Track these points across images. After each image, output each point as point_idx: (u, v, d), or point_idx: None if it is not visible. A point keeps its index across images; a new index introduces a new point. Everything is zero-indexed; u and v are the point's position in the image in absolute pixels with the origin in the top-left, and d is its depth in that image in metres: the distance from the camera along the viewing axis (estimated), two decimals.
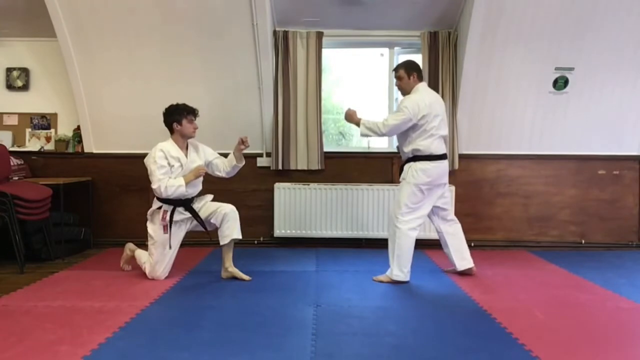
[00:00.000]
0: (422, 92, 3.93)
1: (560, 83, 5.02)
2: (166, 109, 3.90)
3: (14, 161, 4.88)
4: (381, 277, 3.93)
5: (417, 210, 3.88)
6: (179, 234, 3.96)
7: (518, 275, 4.19)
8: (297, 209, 5.10)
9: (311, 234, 5.12)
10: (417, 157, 3.88)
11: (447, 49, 5.03)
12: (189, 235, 5.19)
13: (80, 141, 5.23)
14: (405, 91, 3.99)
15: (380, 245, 5.12)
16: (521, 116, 5.13)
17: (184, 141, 3.94)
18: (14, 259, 4.20)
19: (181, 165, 3.87)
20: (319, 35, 5.04)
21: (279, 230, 5.13)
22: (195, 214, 3.95)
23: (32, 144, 5.30)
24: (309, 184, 5.12)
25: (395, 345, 2.68)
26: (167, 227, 3.83)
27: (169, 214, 3.83)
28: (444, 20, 5.00)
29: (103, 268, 4.28)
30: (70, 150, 5.26)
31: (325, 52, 5.13)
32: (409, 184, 3.86)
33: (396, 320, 3.07)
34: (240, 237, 4.01)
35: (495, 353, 2.61)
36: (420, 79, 3.98)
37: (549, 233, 5.31)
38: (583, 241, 5.31)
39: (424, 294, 3.65)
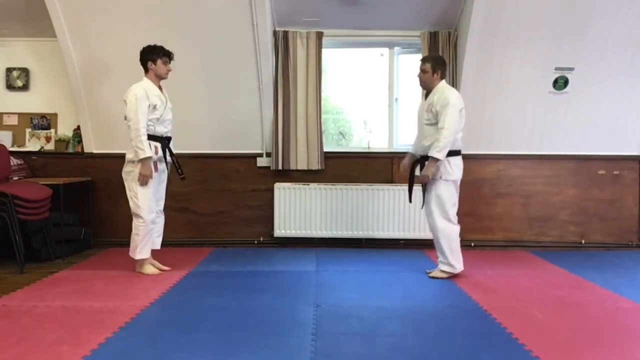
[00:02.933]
0: (450, 89, 4.00)
1: (560, 83, 5.01)
2: (143, 48, 3.99)
3: (14, 161, 4.88)
4: (439, 274, 4.03)
5: (455, 205, 4.05)
6: (162, 176, 4.14)
7: (518, 275, 4.19)
8: (297, 209, 5.10)
9: (311, 234, 5.12)
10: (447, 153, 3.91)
11: (447, 49, 5.03)
12: (188, 235, 5.24)
13: (80, 141, 5.23)
14: (426, 85, 4.03)
15: (380, 245, 5.13)
16: (521, 116, 5.13)
17: (158, 82, 4.03)
18: (14, 259, 4.20)
19: (163, 104, 3.99)
20: (319, 35, 5.04)
21: (279, 230, 5.13)
22: (172, 154, 4.14)
23: (32, 144, 5.30)
24: (309, 184, 5.12)
25: (395, 345, 2.68)
26: (157, 163, 4.00)
27: (159, 148, 3.99)
28: (444, 20, 5.00)
29: (103, 268, 4.28)
30: (70, 150, 5.26)
31: (325, 52, 5.13)
32: (448, 181, 3.95)
33: (396, 320, 3.07)
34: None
35: (495, 353, 2.60)
36: (443, 77, 4.03)
37: (549, 233, 5.31)
38: (583, 241, 5.31)
39: (424, 294, 3.65)
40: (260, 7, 4.60)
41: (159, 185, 4.10)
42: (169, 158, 4.14)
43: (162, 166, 4.08)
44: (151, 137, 3.94)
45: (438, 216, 3.98)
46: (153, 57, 3.96)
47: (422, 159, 4.02)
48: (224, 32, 4.77)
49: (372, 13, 4.90)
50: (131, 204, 3.98)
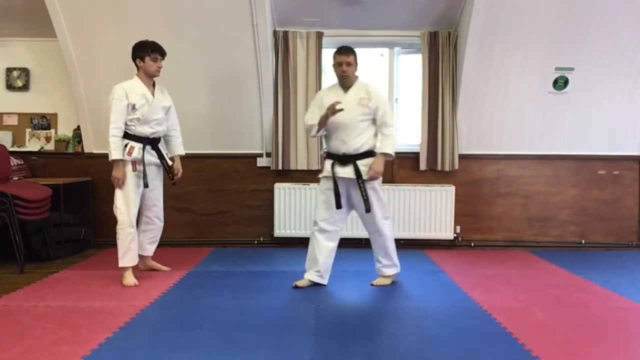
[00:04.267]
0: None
1: (560, 83, 5.01)
2: (133, 45, 3.83)
3: (14, 161, 4.88)
4: (384, 281, 3.85)
5: None
6: (151, 181, 3.90)
7: (518, 275, 4.19)
8: (297, 209, 5.10)
9: None
10: (373, 153, 3.67)
11: (447, 49, 5.03)
12: (188, 235, 5.24)
13: (80, 141, 5.23)
14: (349, 80, 3.69)
15: None
16: (521, 116, 5.13)
17: (149, 80, 3.86)
18: (14, 259, 4.20)
19: (147, 102, 3.79)
20: (319, 35, 5.04)
21: (279, 230, 5.13)
22: (161, 157, 3.93)
23: (32, 144, 5.30)
24: (309, 184, 5.12)
25: (395, 346, 2.68)
26: (136, 164, 3.79)
27: (136, 150, 3.77)
28: (444, 20, 4.99)
29: (103, 268, 4.28)
30: (70, 150, 5.26)
31: (325, 52, 5.12)
32: (379, 181, 3.73)
33: (396, 320, 3.07)
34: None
35: (495, 353, 2.61)
36: None
37: (549, 233, 5.31)
38: (583, 241, 5.31)
39: (424, 294, 3.65)
40: (260, 7, 4.60)
41: (137, 188, 3.83)
42: (156, 160, 3.93)
43: (150, 169, 3.87)
44: (132, 138, 3.78)
45: (381, 218, 3.73)
46: (140, 54, 3.79)
47: (350, 159, 3.63)
48: (224, 32, 4.77)
49: (372, 13, 4.90)
50: (113, 206, 3.88)
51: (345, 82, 3.71)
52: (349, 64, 3.65)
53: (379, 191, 3.71)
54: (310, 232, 3.87)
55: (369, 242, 5.09)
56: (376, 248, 3.83)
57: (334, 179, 3.67)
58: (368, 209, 3.65)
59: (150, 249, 4.08)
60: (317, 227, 3.79)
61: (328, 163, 3.74)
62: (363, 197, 3.62)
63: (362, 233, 5.08)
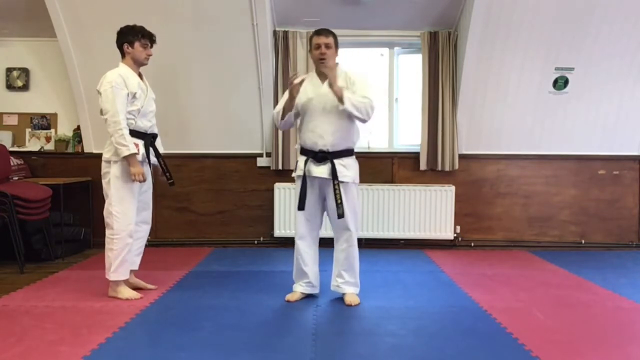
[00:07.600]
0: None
1: (560, 83, 5.02)
2: (120, 29, 3.48)
3: (14, 161, 4.88)
4: (356, 298, 3.40)
5: None
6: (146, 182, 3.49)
7: (518, 275, 4.19)
8: None
9: None
10: (352, 152, 3.40)
11: (447, 49, 5.03)
12: (188, 235, 5.24)
13: (80, 141, 5.23)
14: (328, 64, 3.28)
15: (380, 245, 5.13)
16: (521, 116, 5.13)
17: (136, 69, 3.48)
18: (14, 259, 4.20)
19: (143, 93, 3.42)
20: None
21: (279, 230, 5.13)
22: (158, 154, 3.56)
23: (32, 144, 5.30)
24: None
25: (395, 345, 2.68)
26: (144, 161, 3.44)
27: (141, 147, 3.39)
28: (444, 20, 5.00)
29: (103, 268, 4.23)
30: (70, 150, 5.26)
31: None
32: (356, 185, 3.41)
33: (396, 320, 3.07)
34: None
35: (495, 353, 2.60)
36: None
37: (549, 233, 5.31)
38: (583, 241, 5.31)
39: (424, 294, 3.65)
40: (260, 7, 4.60)
41: (138, 192, 3.44)
42: (154, 159, 3.54)
43: (145, 169, 3.44)
44: (132, 133, 3.35)
45: (355, 229, 3.37)
46: (130, 38, 3.42)
47: (327, 156, 3.27)
48: (224, 32, 4.77)
49: (372, 13, 4.90)
50: (105, 211, 3.39)
51: (322, 67, 3.30)
52: (328, 46, 3.27)
53: (355, 198, 3.40)
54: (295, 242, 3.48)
55: (369, 242, 5.14)
56: (342, 260, 3.40)
57: (304, 177, 3.31)
58: (341, 214, 3.26)
59: (137, 262, 3.60)
60: (297, 235, 3.43)
61: (301, 160, 3.35)
62: (336, 200, 3.25)
63: (362, 233, 5.09)
